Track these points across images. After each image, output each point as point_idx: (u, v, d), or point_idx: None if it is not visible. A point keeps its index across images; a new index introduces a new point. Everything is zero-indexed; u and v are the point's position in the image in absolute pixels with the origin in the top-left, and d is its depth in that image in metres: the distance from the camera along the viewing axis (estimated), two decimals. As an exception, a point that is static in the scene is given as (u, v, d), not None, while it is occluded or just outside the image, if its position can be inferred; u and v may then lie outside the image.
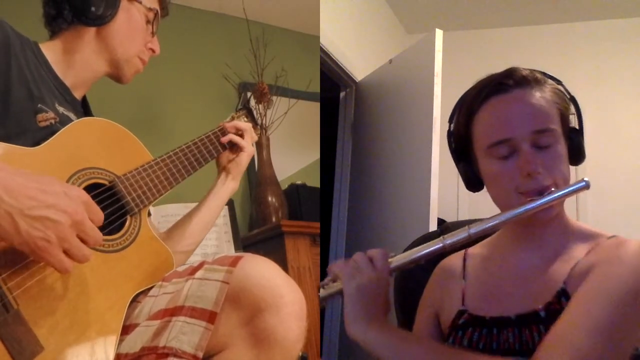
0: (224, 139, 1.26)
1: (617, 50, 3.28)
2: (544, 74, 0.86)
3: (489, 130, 0.83)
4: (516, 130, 0.80)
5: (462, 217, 3.19)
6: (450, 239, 0.81)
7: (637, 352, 0.74)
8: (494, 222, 0.81)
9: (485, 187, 0.90)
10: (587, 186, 0.78)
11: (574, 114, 0.87)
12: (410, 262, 0.82)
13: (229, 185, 1.30)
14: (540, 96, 0.82)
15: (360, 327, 0.77)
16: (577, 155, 0.86)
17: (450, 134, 0.93)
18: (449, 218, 2.97)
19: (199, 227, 1.25)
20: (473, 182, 0.91)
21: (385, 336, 0.76)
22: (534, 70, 0.86)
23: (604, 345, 0.66)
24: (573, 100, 0.87)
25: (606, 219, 2.90)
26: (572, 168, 0.85)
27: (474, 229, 0.80)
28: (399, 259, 0.82)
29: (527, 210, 0.78)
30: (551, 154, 0.81)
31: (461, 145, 0.91)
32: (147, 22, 1.19)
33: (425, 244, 0.83)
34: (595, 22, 3.34)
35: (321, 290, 0.84)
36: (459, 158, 0.92)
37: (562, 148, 0.82)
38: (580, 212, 2.92)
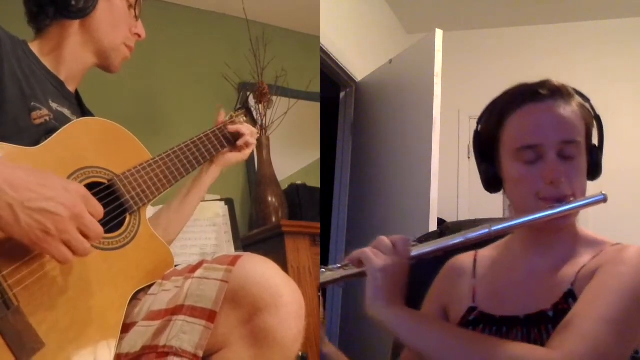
0: (235, 128, 1.27)
1: (617, 50, 3.28)
2: (575, 89, 0.90)
3: (519, 134, 0.87)
4: (545, 138, 0.84)
5: (462, 217, 3.19)
6: (471, 234, 0.84)
7: (638, 355, 0.77)
8: (514, 223, 0.84)
9: (503, 189, 0.93)
10: (604, 199, 0.82)
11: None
12: (430, 252, 0.85)
13: (211, 175, 1.28)
14: (571, 109, 0.86)
15: (381, 306, 0.79)
16: (594, 170, 0.90)
17: (477, 135, 0.96)
18: (449, 218, 2.96)
19: (181, 216, 1.25)
20: (493, 183, 0.94)
21: (405, 316, 0.79)
22: (566, 84, 0.90)
23: (611, 334, 0.70)
24: (597, 118, 0.91)
25: (607, 220, 2.89)
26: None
27: (495, 227, 0.83)
28: (419, 248, 0.85)
29: (547, 216, 0.82)
30: (574, 166, 0.85)
31: (487, 146, 0.94)
32: (130, 6, 1.17)
33: (446, 237, 0.86)
34: (595, 22, 3.34)
35: (342, 270, 0.85)
36: (483, 159, 0.95)
37: (583, 161, 0.87)
38: (581, 212, 2.91)
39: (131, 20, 1.18)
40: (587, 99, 0.90)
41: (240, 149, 1.29)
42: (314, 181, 2.59)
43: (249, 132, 1.29)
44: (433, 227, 2.17)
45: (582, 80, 3.74)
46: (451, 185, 3.27)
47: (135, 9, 1.18)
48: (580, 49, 3.34)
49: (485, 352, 0.72)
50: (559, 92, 0.87)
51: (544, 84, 0.88)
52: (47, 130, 0.98)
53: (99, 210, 0.81)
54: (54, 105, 1.06)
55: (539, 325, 0.81)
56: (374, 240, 0.85)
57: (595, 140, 0.91)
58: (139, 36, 1.20)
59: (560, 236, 0.89)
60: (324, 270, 0.87)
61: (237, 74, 2.67)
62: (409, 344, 0.79)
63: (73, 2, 1.06)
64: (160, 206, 1.23)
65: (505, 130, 0.89)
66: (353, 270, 0.85)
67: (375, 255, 0.82)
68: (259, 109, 2.51)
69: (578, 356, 0.68)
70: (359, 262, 0.83)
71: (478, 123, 0.96)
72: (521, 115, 0.87)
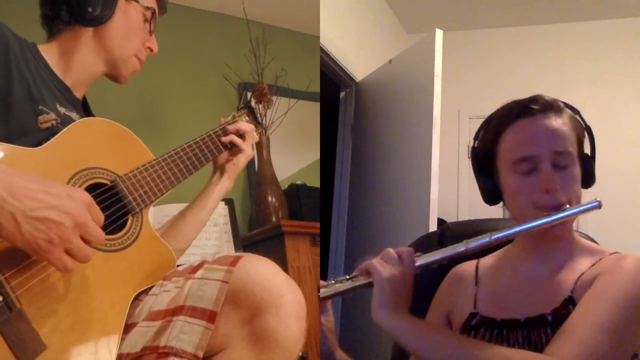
0: (225, 139, 1.26)
1: (617, 50, 3.28)
2: (565, 103, 0.95)
3: (514, 148, 0.91)
4: (539, 150, 0.88)
5: (462, 217, 3.19)
6: (472, 243, 0.88)
7: (638, 358, 0.79)
8: (514, 231, 0.87)
9: (503, 200, 0.97)
10: (599, 206, 0.86)
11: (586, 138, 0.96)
12: (434, 261, 0.89)
13: (224, 185, 1.29)
14: (562, 121, 0.91)
15: (386, 314, 0.83)
16: (588, 179, 0.94)
17: (474, 150, 1.01)
18: (449, 218, 2.97)
19: (193, 226, 1.25)
20: (492, 195, 0.98)
21: (409, 324, 0.82)
22: (556, 99, 0.95)
23: (607, 341, 0.73)
24: (588, 129, 0.95)
25: (606, 220, 2.90)
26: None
27: (495, 236, 0.87)
28: (424, 258, 0.90)
29: (544, 224, 0.86)
30: (567, 174, 0.89)
31: (484, 160, 0.98)
32: (145, 20, 1.18)
33: (448, 247, 0.90)
34: (595, 22, 3.34)
35: (349, 282, 0.90)
36: (481, 172, 0.99)
37: (577, 170, 0.91)
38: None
39: (145, 34, 1.18)
40: (577, 111, 0.95)
41: (242, 149, 1.28)
42: (314, 181, 2.60)
43: (248, 129, 1.29)
44: (433, 227, 2.18)
45: (582, 80, 3.75)
46: (451, 185, 3.27)
47: (150, 24, 1.19)
48: (580, 49, 3.34)
49: (485, 359, 0.74)
50: (549, 107, 0.92)
51: (536, 99, 0.93)
52: (53, 134, 0.97)
53: (100, 217, 0.81)
54: (62, 110, 1.06)
55: (539, 328, 0.84)
56: (375, 244, 0.88)
57: (587, 150, 0.95)
58: (151, 50, 1.21)
59: (559, 243, 0.93)
60: (333, 282, 0.91)
61: (237, 74, 2.68)
62: (412, 351, 0.81)
63: (90, 9, 1.05)
64: (159, 206, 1.23)
65: (501, 145, 0.94)
66: (361, 281, 0.89)
67: (382, 266, 0.86)
68: (259, 109, 2.51)
69: None
70: (367, 272, 0.88)
71: (475, 139, 1.01)
72: (515, 130, 0.92)
